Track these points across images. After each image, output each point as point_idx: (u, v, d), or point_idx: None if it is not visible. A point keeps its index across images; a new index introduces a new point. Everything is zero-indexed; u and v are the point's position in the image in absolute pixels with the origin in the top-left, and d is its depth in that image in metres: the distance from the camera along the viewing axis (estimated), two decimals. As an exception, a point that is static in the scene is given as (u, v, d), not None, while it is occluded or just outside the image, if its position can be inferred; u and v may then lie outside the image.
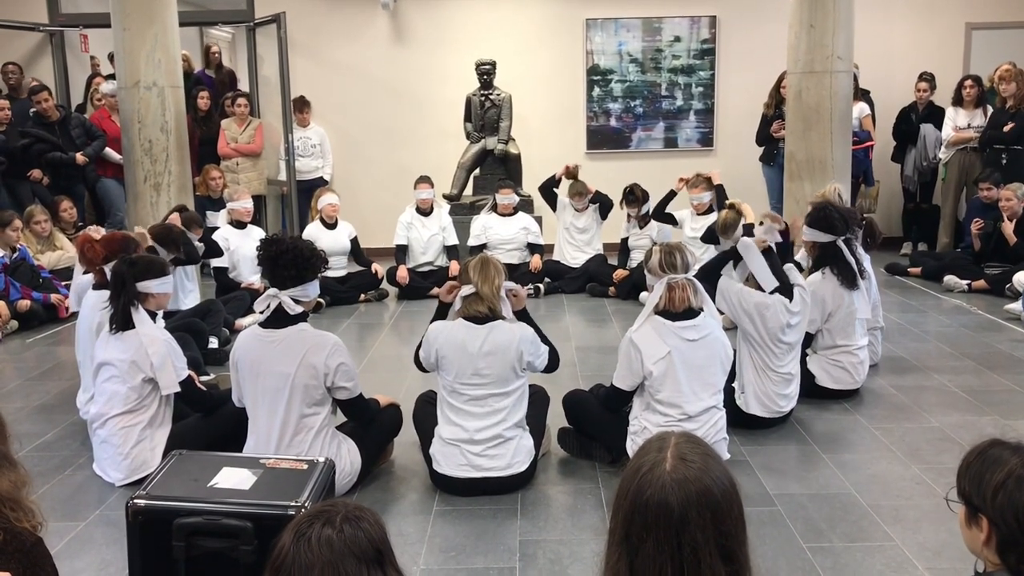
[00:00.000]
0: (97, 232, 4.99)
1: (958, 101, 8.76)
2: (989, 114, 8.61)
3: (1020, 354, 5.80)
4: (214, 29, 11.83)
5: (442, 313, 4.06)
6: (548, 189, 8.14)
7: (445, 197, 8.73)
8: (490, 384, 3.79)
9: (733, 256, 4.64)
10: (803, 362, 4.82)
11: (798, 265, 5.12)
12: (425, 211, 8.03)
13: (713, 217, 7.42)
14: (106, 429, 4.03)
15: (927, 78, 9.14)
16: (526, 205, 8.57)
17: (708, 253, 7.06)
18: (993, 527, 1.70)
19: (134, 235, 5.11)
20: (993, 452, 1.75)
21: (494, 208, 8.18)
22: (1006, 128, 8.23)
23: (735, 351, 4.34)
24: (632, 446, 3.93)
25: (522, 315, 4.04)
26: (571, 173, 8.13)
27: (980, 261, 7.80)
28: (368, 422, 3.99)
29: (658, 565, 1.50)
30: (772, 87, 8.80)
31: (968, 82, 8.73)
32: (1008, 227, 7.53)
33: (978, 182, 8.16)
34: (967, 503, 1.77)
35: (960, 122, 8.71)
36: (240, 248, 7.17)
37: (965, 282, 7.55)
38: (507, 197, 8.10)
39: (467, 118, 9.04)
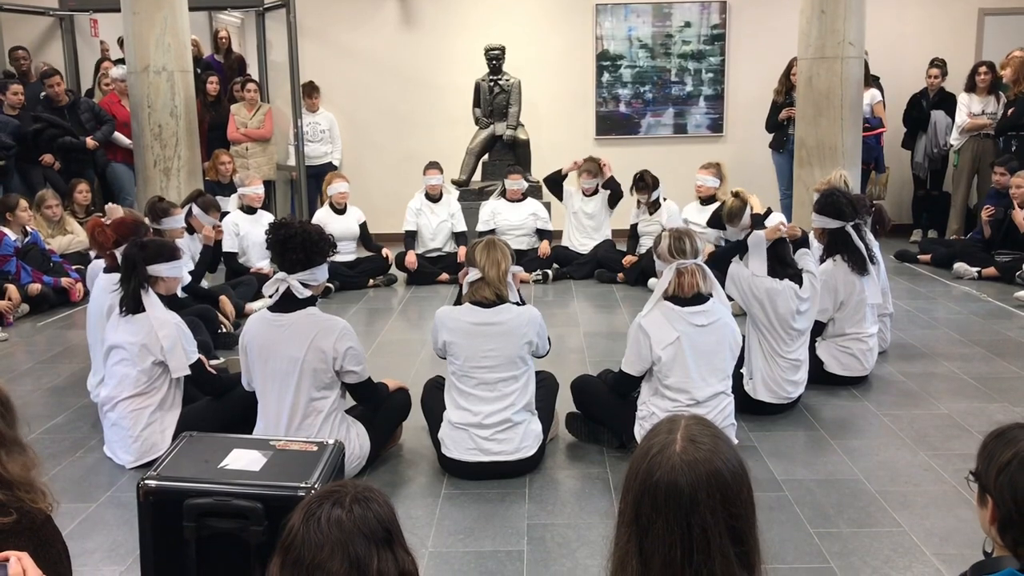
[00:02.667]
0: (115, 211, 5.00)
1: (971, 87, 8.71)
2: (1003, 101, 8.57)
3: (1030, 341, 5.79)
4: (223, 14, 11.81)
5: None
6: (555, 182, 8.11)
7: (454, 183, 8.73)
8: (499, 367, 3.80)
9: (742, 249, 4.63)
10: (812, 348, 4.82)
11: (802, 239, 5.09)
12: (434, 197, 8.03)
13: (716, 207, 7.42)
14: (116, 412, 4.05)
15: (938, 64, 9.08)
16: (535, 191, 8.55)
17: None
18: (995, 506, 1.71)
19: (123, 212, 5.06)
20: (1011, 433, 1.75)
21: (503, 194, 8.17)
22: (1008, 112, 8.21)
23: (744, 337, 4.34)
24: (640, 431, 3.93)
25: None
26: (580, 168, 8.09)
27: (990, 248, 7.77)
28: (377, 406, 4.01)
29: (668, 546, 1.51)
30: (782, 73, 8.75)
31: (983, 68, 8.67)
32: (1019, 214, 7.49)
33: (994, 165, 8.10)
34: (978, 480, 1.77)
35: (974, 108, 8.66)
36: (250, 233, 7.19)
37: (975, 269, 7.52)
38: (516, 183, 8.09)
39: (476, 104, 9.03)
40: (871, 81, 8.63)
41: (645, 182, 7.71)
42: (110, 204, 5.35)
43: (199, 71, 9.26)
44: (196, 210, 6.33)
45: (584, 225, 8.11)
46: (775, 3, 9.52)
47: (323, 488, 1.64)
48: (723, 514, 1.52)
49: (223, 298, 6.11)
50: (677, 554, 1.51)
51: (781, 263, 4.52)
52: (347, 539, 1.51)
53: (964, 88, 8.77)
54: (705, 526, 1.51)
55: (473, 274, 3.89)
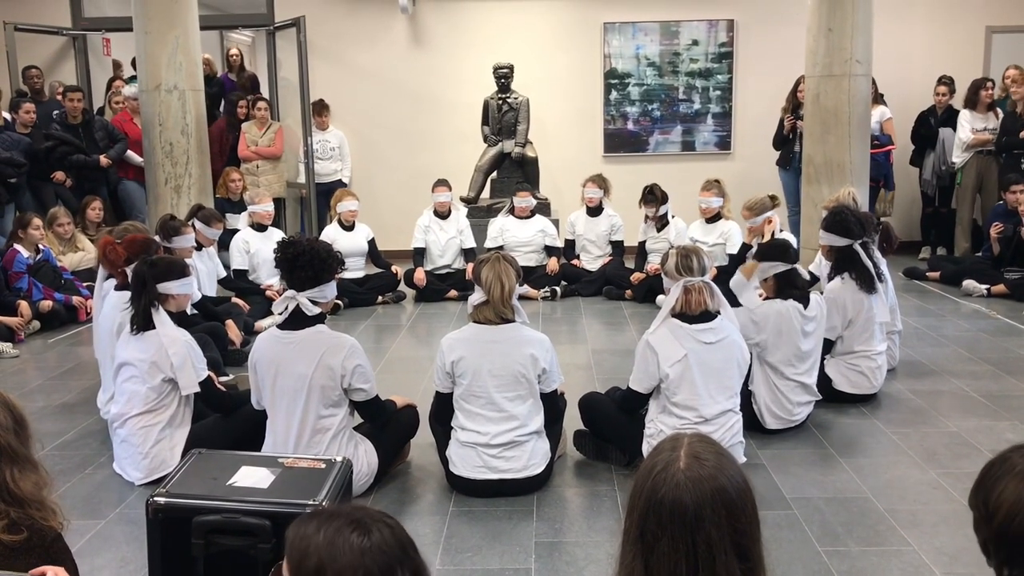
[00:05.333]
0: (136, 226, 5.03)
1: (971, 104, 8.71)
2: (1000, 118, 8.57)
3: (1040, 359, 5.76)
4: (234, 33, 11.92)
5: None
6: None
7: (462, 200, 8.77)
8: (504, 386, 3.80)
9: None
10: (820, 365, 4.81)
11: (813, 276, 5.13)
12: (443, 214, 8.06)
13: (720, 225, 7.42)
14: (126, 429, 4.07)
15: (946, 82, 9.08)
16: (543, 208, 8.58)
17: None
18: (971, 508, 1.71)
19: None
20: (1008, 451, 1.75)
21: (511, 211, 8.20)
22: (1022, 134, 8.16)
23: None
24: (648, 449, 3.93)
25: None
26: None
27: (999, 266, 7.75)
28: (385, 423, 4.02)
29: (673, 563, 1.51)
30: (790, 91, 8.77)
31: (988, 83, 8.69)
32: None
33: (1004, 188, 8.02)
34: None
35: (977, 125, 8.67)
36: (260, 251, 7.21)
37: (984, 287, 7.49)
38: (524, 200, 8.11)
39: (484, 121, 9.08)
40: (878, 98, 8.64)
41: (655, 195, 7.70)
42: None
43: (214, 90, 9.36)
44: (199, 224, 6.37)
45: (588, 250, 8.14)
46: (782, 21, 9.55)
47: (335, 509, 1.60)
48: (728, 530, 1.53)
49: (229, 322, 6.13)
50: (683, 571, 1.52)
51: (790, 285, 4.53)
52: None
53: (964, 105, 8.78)
54: (710, 542, 1.51)
55: (477, 295, 3.89)
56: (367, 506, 1.64)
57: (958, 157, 8.81)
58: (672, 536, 1.52)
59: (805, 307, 4.49)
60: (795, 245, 6.85)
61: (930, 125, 9.13)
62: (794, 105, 8.62)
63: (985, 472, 1.66)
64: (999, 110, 8.62)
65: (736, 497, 1.55)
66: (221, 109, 9.66)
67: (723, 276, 6.85)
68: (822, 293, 5.06)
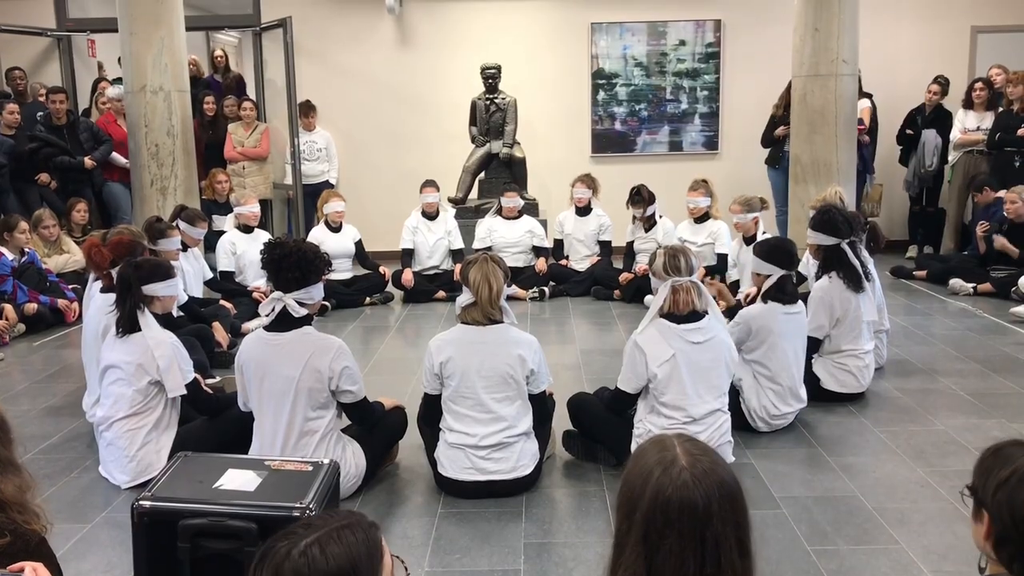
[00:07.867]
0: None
1: (968, 104, 8.74)
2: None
3: (1026, 357, 5.79)
4: (221, 34, 11.87)
5: None
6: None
7: (450, 200, 8.76)
8: (492, 387, 3.79)
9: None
10: (808, 364, 4.82)
11: (801, 276, 5.13)
12: (431, 215, 8.05)
13: (709, 225, 7.43)
14: (112, 431, 4.04)
15: (941, 82, 9.06)
16: (531, 208, 8.58)
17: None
18: (992, 522, 1.72)
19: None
20: (1008, 450, 1.76)
21: (499, 211, 8.19)
22: (1020, 132, 8.18)
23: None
24: (637, 449, 3.92)
25: None
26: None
27: (986, 264, 7.79)
28: (373, 425, 4.00)
29: (680, 561, 1.53)
30: (783, 91, 8.71)
31: (978, 85, 8.71)
32: (1000, 240, 7.57)
33: (977, 189, 8.12)
34: (974, 495, 1.78)
35: (969, 124, 8.70)
36: (247, 252, 7.18)
37: (970, 285, 7.53)
38: (512, 200, 8.11)
39: (472, 122, 9.07)
40: (863, 97, 8.65)
41: (641, 196, 7.72)
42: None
43: (196, 91, 9.30)
44: (183, 225, 6.34)
45: (577, 249, 8.14)
46: (769, 21, 9.58)
47: (299, 524, 1.55)
48: (732, 525, 1.55)
49: (216, 324, 6.10)
50: (690, 567, 1.53)
51: (778, 289, 4.53)
52: None
53: (962, 105, 8.81)
54: (717, 537, 1.54)
55: (465, 297, 3.88)
56: (332, 526, 1.50)
57: (951, 156, 8.84)
58: (680, 533, 1.54)
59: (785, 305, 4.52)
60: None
61: (916, 124, 9.15)
62: (786, 102, 8.61)
63: (1007, 488, 1.67)
64: (1001, 108, 8.63)
65: (736, 490, 1.58)
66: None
67: (711, 276, 6.90)
68: (808, 293, 5.08)
